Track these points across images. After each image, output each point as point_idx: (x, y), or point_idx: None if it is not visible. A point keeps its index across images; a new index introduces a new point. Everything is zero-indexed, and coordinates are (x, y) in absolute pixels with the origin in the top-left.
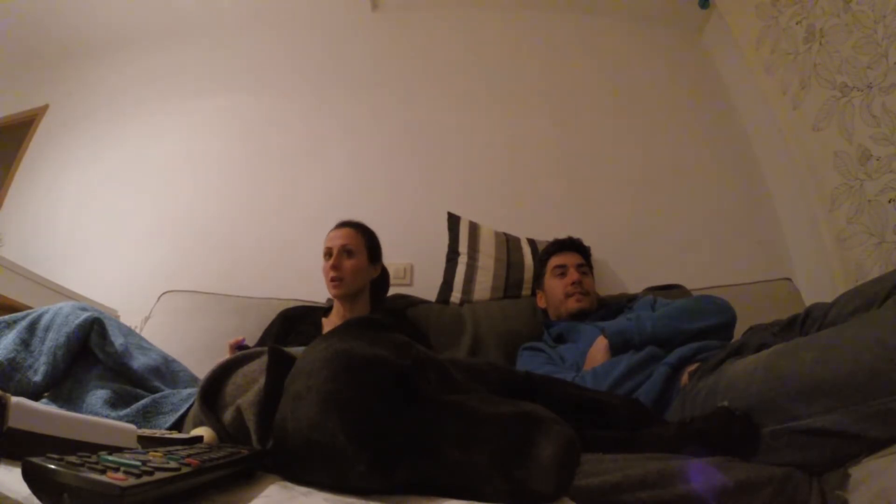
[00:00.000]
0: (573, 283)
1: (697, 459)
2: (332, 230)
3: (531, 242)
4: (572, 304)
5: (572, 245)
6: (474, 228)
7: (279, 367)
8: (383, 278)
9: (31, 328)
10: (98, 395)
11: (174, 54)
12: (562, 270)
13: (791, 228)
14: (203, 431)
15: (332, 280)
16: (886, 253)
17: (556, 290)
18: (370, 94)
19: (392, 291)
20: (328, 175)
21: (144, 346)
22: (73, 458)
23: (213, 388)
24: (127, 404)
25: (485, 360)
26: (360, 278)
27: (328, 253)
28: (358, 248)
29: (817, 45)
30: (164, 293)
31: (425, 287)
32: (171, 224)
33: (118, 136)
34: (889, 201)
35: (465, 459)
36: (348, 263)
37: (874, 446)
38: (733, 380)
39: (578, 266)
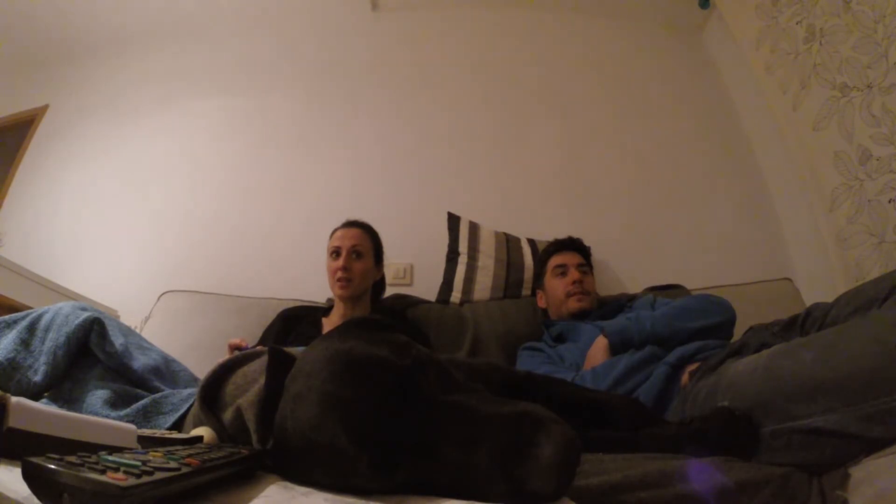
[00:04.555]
0: (574, 283)
1: (697, 459)
2: (339, 228)
3: (531, 242)
4: (573, 304)
5: (573, 245)
6: (474, 228)
7: (279, 367)
8: (382, 279)
9: (31, 328)
10: (98, 395)
11: (174, 55)
12: (562, 270)
13: (791, 228)
14: (203, 431)
15: (340, 280)
16: (886, 253)
17: (557, 290)
18: (370, 94)
19: (392, 291)
20: (328, 175)
21: (144, 346)
22: (73, 458)
23: (214, 388)
24: (127, 404)
25: (485, 360)
26: (367, 281)
27: (336, 252)
28: (366, 250)
29: (817, 45)
30: (164, 293)
31: (425, 287)
32: (171, 224)
33: (118, 136)
34: (889, 201)
35: (466, 459)
36: (358, 265)
37: (874, 446)
38: (733, 380)
39: (579, 266)
